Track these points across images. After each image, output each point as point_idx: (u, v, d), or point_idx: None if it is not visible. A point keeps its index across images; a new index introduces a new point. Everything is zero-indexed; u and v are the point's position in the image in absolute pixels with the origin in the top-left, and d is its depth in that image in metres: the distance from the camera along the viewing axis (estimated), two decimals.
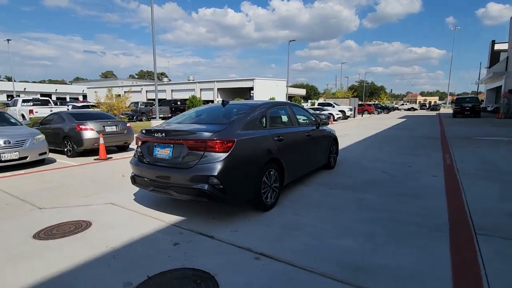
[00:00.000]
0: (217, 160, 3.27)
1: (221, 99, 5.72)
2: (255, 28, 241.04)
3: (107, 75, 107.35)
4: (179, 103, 29.37)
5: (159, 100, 22.28)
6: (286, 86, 39.33)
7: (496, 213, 3.75)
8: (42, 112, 17.28)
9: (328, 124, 7.47)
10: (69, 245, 3.02)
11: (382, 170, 6.24)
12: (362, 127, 18.12)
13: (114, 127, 8.80)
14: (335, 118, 26.76)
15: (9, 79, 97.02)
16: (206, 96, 43.06)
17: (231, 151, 3.34)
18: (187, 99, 34.98)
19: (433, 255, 2.73)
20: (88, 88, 59.84)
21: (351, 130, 16.35)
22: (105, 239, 3.14)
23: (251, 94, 41.08)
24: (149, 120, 23.13)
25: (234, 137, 3.44)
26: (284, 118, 4.94)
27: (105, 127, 8.59)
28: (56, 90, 66.24)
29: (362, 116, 34.14)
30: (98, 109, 16.09)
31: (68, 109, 16.46)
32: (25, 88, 60.20)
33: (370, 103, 47.23)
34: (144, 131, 3.91)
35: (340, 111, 28.54)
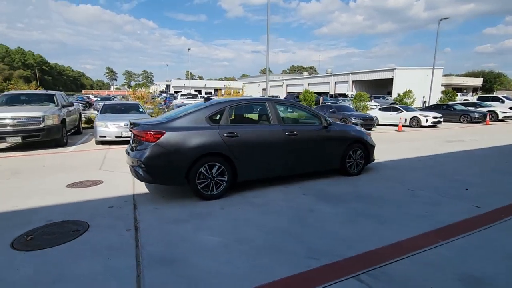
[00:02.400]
0: (147, 148, 3.99)
1: (206, 96, 6.14)
2: (425, 7, 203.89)
3: (264, 71, 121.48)
4: (299, 96, 30.11)
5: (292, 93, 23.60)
6: (430, 75, 32.05)
7: None
8: (188, 103, 22.52)
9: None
10: (83, 192, 4.61)
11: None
12: None
13: None
14: (501, 117, 20.07)
15: (200, 77, 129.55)
16: (340, 89, 41.69)
17: (158, 141, 3.96)
18: (322, 93, 35.34)
19: None
20: (244, 83, 70.58)
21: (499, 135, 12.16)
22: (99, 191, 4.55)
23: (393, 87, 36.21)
24: None
25: (165, 130, 4.03)
26: (255, 116, 4.90)
27: None
28: (224, 85, 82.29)
29: None
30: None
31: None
32: (205, 84, 77.87)
33: None
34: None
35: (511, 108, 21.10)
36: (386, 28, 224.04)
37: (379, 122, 17.20)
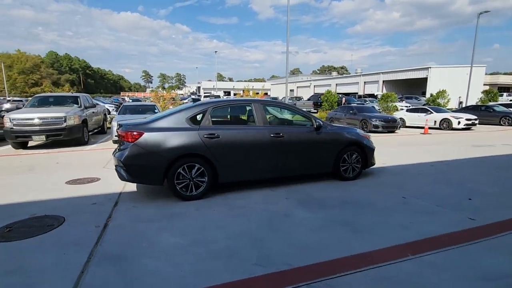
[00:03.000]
0: (126, 147, 4.12)
1: (192, 97, 6.12)
2: (470, 0, 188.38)
3: (294, 72, 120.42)
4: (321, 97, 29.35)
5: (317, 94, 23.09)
6: (469, 74, 29.47)
7: None
8: None
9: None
10: (78, 188, 4.89)
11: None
12: None
13: None
14: None
15: (230, 79, 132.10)
16: (370, 89, 40.01)
17: (137, 141, 4.07)
18: (350, 93, 34.20)
19: None
20: (272, 84, 70.57)
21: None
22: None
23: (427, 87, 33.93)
24: None
25: (143, 131, 4.13)
26: (239, 117, 4.85)
27: None
28: (253, 87, 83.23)
29: None
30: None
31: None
32: (234, 86, 79.10)
33: None
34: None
35: None
36: (425, 24, 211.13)
37: (406, 124, 16.24)
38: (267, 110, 5.04)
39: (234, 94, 56.87)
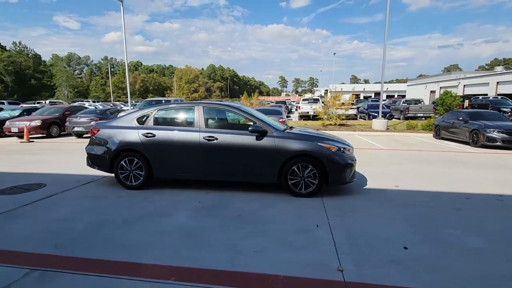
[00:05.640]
0: (90, 140, 5.23)
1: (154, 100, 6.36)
2: None
3: (450, 69, 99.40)
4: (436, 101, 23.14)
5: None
6: None
7: None
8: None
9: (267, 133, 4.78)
10: (86, 168, 6.60)
11: None
12: None
13: None
14: None
15: (366, 81, 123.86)
16: (505, 90, 28.43)
17: (94, 136, 5.10)
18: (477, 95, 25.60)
19: None
20: (408, 86, 61.01)
21: None
22: None
23: None
24: (392, 119, 20.96)
25: (100, 127, 5.11)
26: (180, 119, 5.03)
27: None
28: (387, 88, 74.74)
29: None
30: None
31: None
32: (364, 88, 73.80)
33: None
34: None
35: None
36: None
37: None
38: (210, 113, 5.05)
39: (367, 97, 53.01)
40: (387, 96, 56.54)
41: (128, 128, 5.02)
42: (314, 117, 20.09)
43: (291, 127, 5.47)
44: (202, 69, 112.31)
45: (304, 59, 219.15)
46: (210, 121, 4.97)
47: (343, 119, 17.55)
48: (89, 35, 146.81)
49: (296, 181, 4.58)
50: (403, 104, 22.97)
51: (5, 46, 66.32)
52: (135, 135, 4.91)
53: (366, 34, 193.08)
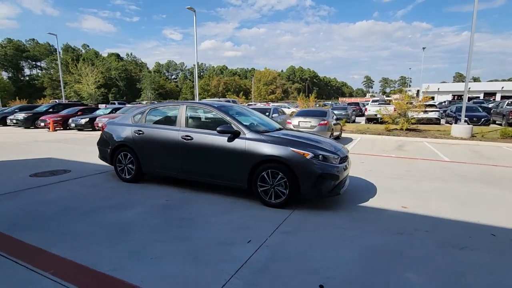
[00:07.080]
0: (100, 136, 5.84)
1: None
2: None
3: None
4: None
5: None
6: None
7: None
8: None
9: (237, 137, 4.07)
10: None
11: None
12: None
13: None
14: None
15: (475, 79, 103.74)
16: None
17: (103, 131, 5.68)
18: None
19: None
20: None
21: None
22: None
23: None
24: (489, 125, 16.59)
25: (107, 124, 5.65)
26: (168, 118, 5.12)
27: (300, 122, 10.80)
28: (502, 87, 61.05)
29: None
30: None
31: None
32: (469, 88, 62.33)
33: None
34: None
35: None
36: None
37: None
38: (191, 113, 5.00)
39: (475, 97, 44.83)
40: (501, 97, 46.01)
41: (125, 126, 5.42)
42: (383, 121, 17.87)
43: (280, 128, 5.04)
44: (282, 71, 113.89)
45: (396, 57, 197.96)
46: (190, 121, 4.93)
47: (413, 123, 15.10)
48: (188, 44, 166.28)
49: (267, 189, 4.13)
50: (508, 107, 18.25)
51: (123, 57, 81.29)
52: (129, 132, 5.27)
53: (481, 23, 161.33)
